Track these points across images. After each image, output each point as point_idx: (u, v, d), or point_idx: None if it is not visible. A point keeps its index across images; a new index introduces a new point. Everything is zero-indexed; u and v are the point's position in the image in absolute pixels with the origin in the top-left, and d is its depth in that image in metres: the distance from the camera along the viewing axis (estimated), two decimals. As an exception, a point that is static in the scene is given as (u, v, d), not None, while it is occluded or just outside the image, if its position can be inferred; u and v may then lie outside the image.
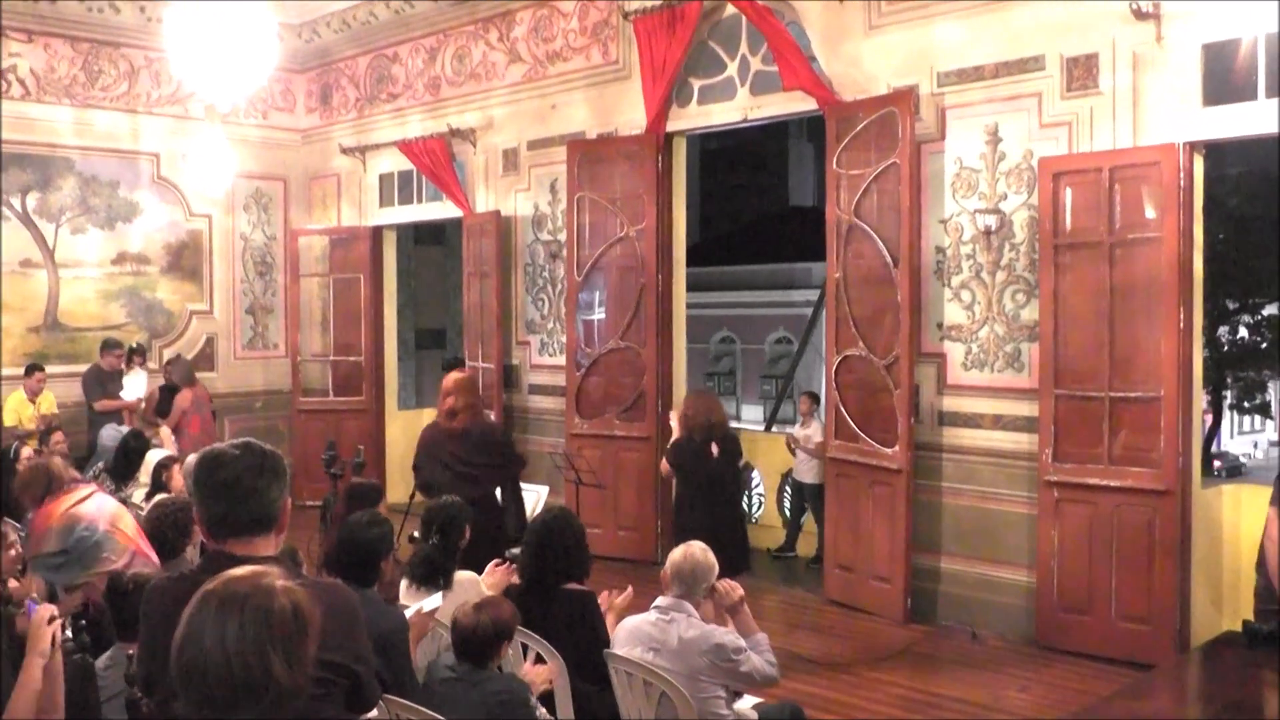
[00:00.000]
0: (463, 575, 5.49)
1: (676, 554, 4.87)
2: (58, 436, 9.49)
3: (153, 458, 7.95)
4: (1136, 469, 7.47)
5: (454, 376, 8.13)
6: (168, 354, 13.30)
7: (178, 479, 7.24)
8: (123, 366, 12.32)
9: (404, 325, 15.27)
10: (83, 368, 12.35)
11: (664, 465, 8.67)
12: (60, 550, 5.58)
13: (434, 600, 5.00)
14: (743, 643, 4.69)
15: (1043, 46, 8.00)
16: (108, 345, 12.34)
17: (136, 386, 12.28)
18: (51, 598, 5.43)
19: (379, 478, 12.04)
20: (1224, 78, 7.24)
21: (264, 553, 2.78)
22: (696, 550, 4.85)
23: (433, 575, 5.33)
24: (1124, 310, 7.51)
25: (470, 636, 4.25)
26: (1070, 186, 7.75)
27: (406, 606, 4.99)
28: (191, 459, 6.51)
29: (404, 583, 5.45)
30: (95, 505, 5.83)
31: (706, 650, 4.62)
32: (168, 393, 12.10)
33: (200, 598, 2.15)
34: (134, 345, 12.66)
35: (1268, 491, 4.98)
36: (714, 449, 8.22)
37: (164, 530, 5.50)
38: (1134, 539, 7.49)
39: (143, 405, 12.15)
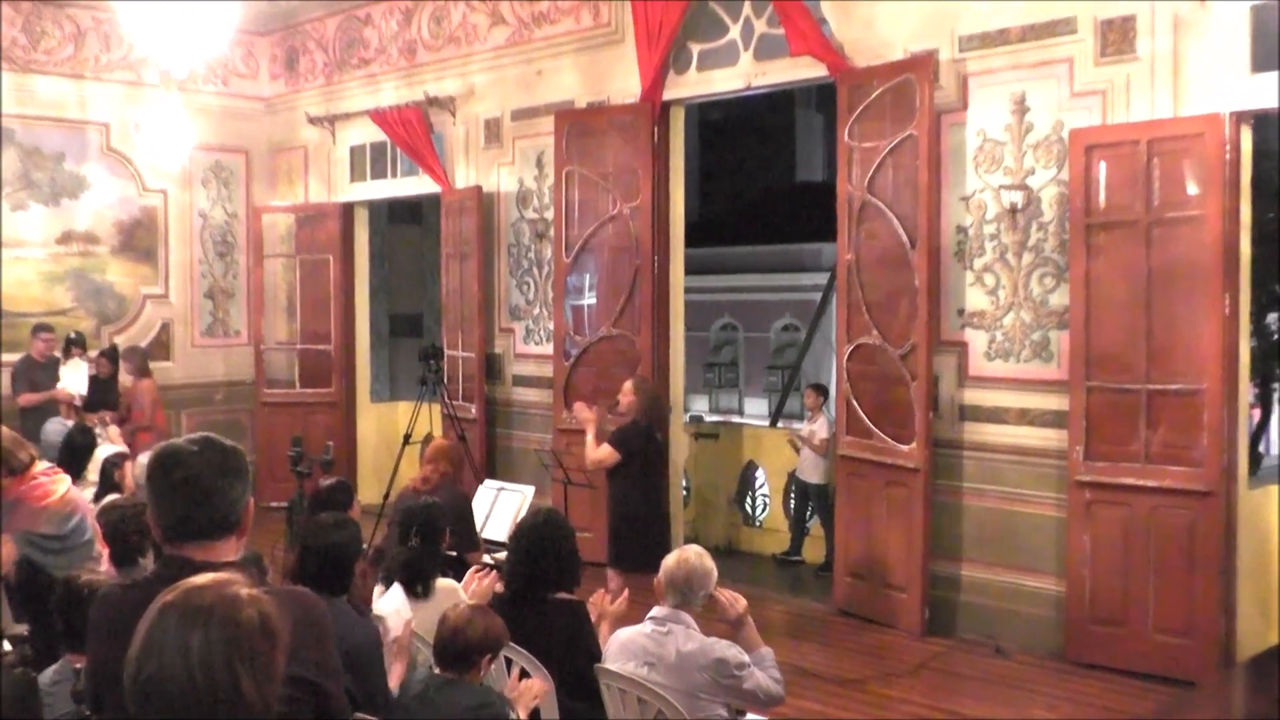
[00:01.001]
0: (443, 583, 5.49)
1: (670, 561, 4.85)
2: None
3: (100, 455, 7.92)
4: (1176, 468, 7.47)
5: (437, 444, 8.07)
6: (119, 341, 13.25)
7: (130, 478, 7.21)
8: (58, 355, 12.12)
9: (377, 311, 15.20)
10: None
11: (610, 453, 8.30)
12: (56, 535, 5.61)
13: (392, 601, 4.99)
14: (746, 658, 4.68)
15: (1074, 8, 7.97)
16: (37, 330, 12.05)
17: (75, 378, 12.05)
18: (33, 572, 5.46)
19: (350, 476, 12.02)
20: (1274, 42, 7.22)
21: (225, 558, 2.76)
22: (691, 556, 4.84)
23: (413, 581, 5.32)
24: (1163, 295, 7.50)
25: (457, 635, 4.24)
26: (1104, 160, 7.74)
27: (381, 617, 4.98)
28: (144, 457, 6.48)
29: (378, 589, 5.44)
30: (78, 496, 5.87)
31: (706, 665, 4.61)
32: (98, 384, 11.98)
33: (160, 608, 2.13)
34: (71, 335, 12.41)
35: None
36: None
37: (126, 533, 5.47)
38: (1173, 544, 7.49)
39: (77, 399, 11.90)
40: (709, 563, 4.86)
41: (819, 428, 10.56)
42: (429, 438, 12.51)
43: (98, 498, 7.10)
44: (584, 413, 8.64)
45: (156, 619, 2.12)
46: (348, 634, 4.02)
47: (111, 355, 12.44)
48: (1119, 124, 7.76)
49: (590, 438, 8.43)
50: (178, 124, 12.06)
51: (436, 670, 4.33)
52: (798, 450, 10.74)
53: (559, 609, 5.07)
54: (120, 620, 2.67)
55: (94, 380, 12.03)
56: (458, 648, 4.25)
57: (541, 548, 5.13)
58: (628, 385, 8.72)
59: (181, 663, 2.06)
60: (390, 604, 5.27)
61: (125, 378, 12.45)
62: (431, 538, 5.57)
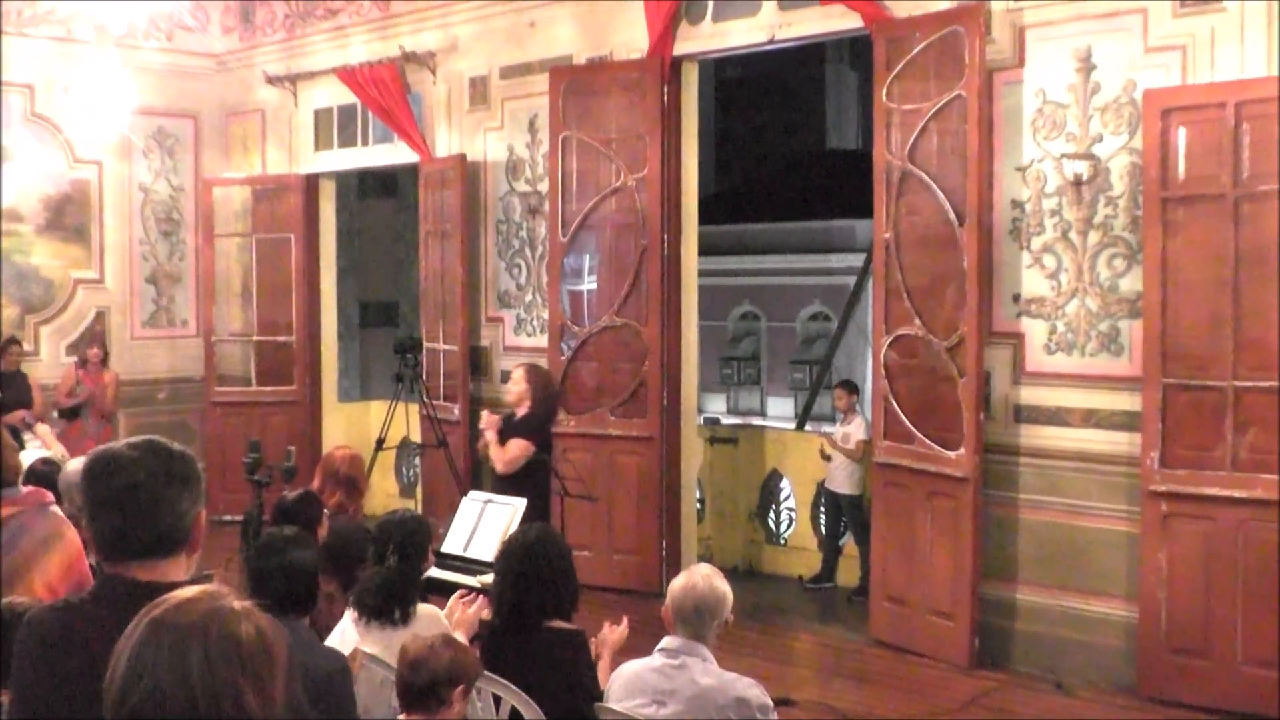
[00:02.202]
0: (425, 609, 5.48)
1: (676, 587, 4.76)
2: None
3: (23, 462, 7.87)
4: (1268, 476, 7.44)
5: (326, 460, 7.98)
6: (46, 332, 13.26)
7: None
8: None
9: (345, 297, 15.24)
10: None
11: (525, 445, 8.80)
12: None
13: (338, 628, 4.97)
14: (769, 700, 4.65)
15: (1149, -53, 7.97)
16: None
17: None
18: None
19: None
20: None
21: (173, 578, 2.75)
22: (699, 580, 4.74)
23: (389, 606, 5.31)
24: (1252, 279, 7.47)
25: (418, 668, 4.20)
26: (1184, 126, 7.71)
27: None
28: (75, 464, 6.42)
29: (351, 614, 5.43)
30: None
31: (726, 704, 4.58)
32: (7, 380, 11.96)
33: (148, 626, 2.14)
34: None
35: None
36: None
37: None
38: (1264, 563, 7.46)
39: None
40: (721, 586, 4.79)
41: (854, 429, 10.52)
42: (406, 442, 12.57)
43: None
44: (488, 417, 9.15)
45: (145, 638, 2.12)
46: (312, 662, 4.01)
47: (13, 343, 12.45)
48: (1202, 84, 7.73)
49: (493, 442, 8.91)
50: (114, 85, 12.04)
51: (401, 718, 4.29)
52: (827, 458, 10.72)
53: (555, 639, 5.06)
54: (55, 646, 2.66)
55: (2, 376, 12.00)
56: (421, 683, 4.20)
57: (534, 569, 5.12)
58: (518, 373, 9.19)
59: (180, 683, 2.06)
60: (335, 633, 5.27)
61: (65, 368, 12.47)
62: (412, 556, 5.56)
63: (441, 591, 7.26)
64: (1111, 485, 8.18)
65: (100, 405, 12.73)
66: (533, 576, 5.12)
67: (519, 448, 8.78)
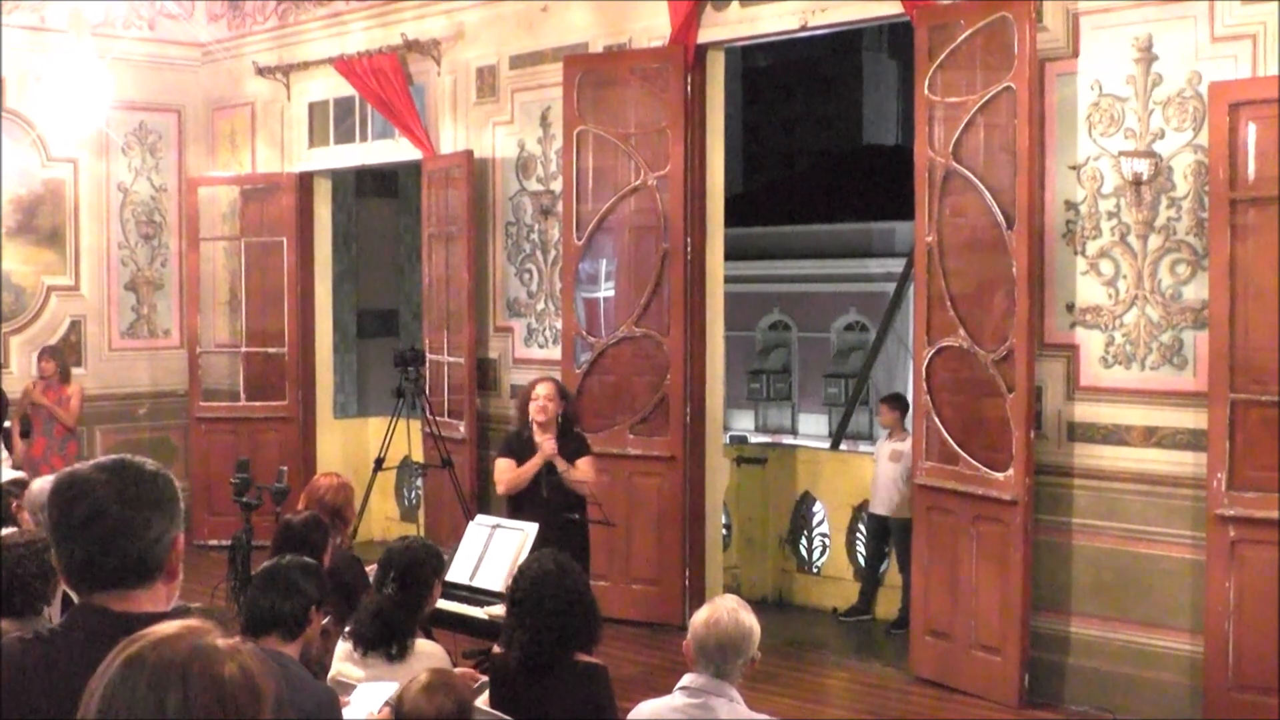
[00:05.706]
0: (425, 646, 5.48)
1: (698, 621, 4.71)
2: None
3: None
4: (1343, 500, 7.43)
5: (322, 482, 7.91)
6: (16, 343, 13.29)
7: (26, 511, 7.18)
8: None
9: (341, 305, 15.24)
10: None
11: (595, 464, 8.95)
12: None
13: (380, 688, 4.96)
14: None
15: (1214, -74, 7.96)
16: None
17: None
18: None
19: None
20: None
21: (149, 608, 2.75)
22: (723, 616, 4.70)
23: (383, 637, 5.32)
24: (1326, 285, 7.46)
25: (422, 713, 4.20)
26: (1254, 121, 7.70)
27: (348, 683, 4.97)
28: (42, 481, 6.45)
29: (345, 646, 5.44)
30: None
31: (755, 747, 4.58)
32: None
33: (124, 663, 2.13)
34: None
35: None
36: None
37: (25, 578, 5.45)
38: (1338, 596, 7.44)
39: None
40: (747, 620, 4.74)
41: (909, 448, 10.37)
42: (407, 462, 12.58)
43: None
44: (553, 443, 8.82)
45: (120, 676, 2.12)
46: (299, 696, 4.01)
47: None
48: (1274, 76, 7.70)
49: (562, 468, 8.70)
50: (91, 77, 12.06)
51: None
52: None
53: (578, 674, 5.07)
54: (25, 681, 2.67)
55: None
56: None
57: (553, 599, 5.12)
58: (550, 389, 8.88)
59: None
60: (334, 666, 5.29)
61: (33, 382, 12.54)
62: (412, 587, 5.57)
63: (445, 624, 7.29)
64: (1174, 509, 8.16)
65: (61, 420, 12.62)
66: (555, 606, 5.13)
67: (594, 467, 8.82)
